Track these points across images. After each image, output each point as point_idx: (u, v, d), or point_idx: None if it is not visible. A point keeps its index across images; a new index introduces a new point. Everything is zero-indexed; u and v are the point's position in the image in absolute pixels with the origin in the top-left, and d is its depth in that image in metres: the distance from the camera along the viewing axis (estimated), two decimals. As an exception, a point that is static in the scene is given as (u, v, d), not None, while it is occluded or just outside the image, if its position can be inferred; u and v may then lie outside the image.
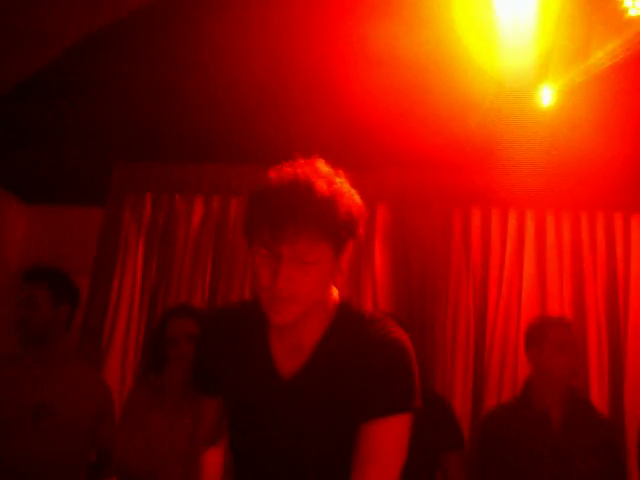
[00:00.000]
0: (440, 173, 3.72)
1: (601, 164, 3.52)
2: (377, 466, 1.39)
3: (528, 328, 3.00)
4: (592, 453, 2.73)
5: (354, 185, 1.46)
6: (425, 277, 3.62)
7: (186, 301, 3.58)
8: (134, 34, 3.70)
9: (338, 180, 1.42)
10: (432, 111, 3.43)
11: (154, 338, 2.78)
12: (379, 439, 1.40)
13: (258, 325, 1.52)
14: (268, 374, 1.49)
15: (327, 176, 1.41)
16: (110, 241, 3.75)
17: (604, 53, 3.38)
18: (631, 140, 3.50)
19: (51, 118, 3.79)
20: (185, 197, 3.82)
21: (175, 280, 3.71)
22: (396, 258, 3.68)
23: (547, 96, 3.44)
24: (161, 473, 2.48)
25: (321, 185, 1.37)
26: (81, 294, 2.97)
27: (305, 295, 1.39)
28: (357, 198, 1.44)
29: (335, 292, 1.53)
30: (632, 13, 3.32)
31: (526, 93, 3.40)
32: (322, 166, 1.43)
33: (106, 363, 3.62)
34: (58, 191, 3.89)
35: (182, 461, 2.50)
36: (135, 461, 2.49)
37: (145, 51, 3.69)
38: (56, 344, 2.76)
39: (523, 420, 2.81)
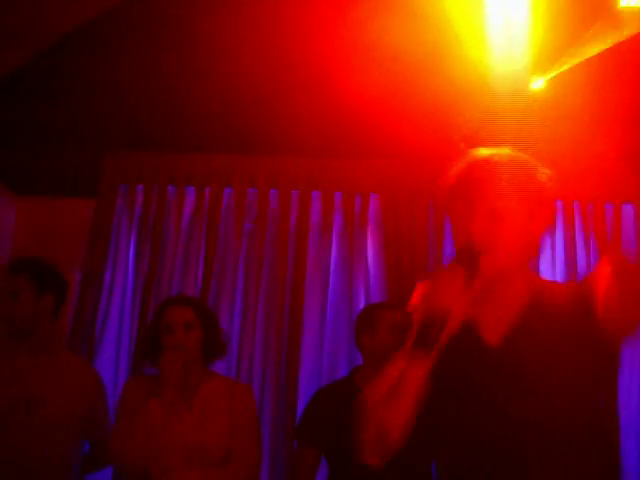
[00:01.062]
0: (432, 164, 3.71)
1: (591, 156, 3.54)
2: None
3: (358, 316, 3.02)
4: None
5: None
6: (417, 267, 3.62)
7: (179, 291, 3.56)
8: (124, 24, 3.69)
9: (530, 159, 1.60)
10: (426, 102, 3.44)
11: (150, 326, 2.76)
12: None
13: None
14: (473, 344, 1.52)
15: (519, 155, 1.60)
16: (102, 232, 3.72)
17: (595, 44, 3.38)
18: (619, 132, 3.51)
19: (41, 109, 3.76)
20: (176, 188, 3.80)
21: (167, 271, 3.69)
22: (388, 248, 3.68)
23: (538, 88, 3.44)
24: (158, 462, 2.47)
25: (517, 156, 1.59)
26: (73, 286, 2.93)
27: (501, 249, 1.50)
28: (549, 176, 1.59)
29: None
30: (623, 4, 3.33)
31: (518, 86, 3.41)
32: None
33: (99, 355, 3.60)
34: (48, 182, 3.85)
35: (179, 450, 2.50)
36: (133, 450, 2.47)
37: (135, 41, 3.67)
38: (43, 335, 2.71)
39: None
